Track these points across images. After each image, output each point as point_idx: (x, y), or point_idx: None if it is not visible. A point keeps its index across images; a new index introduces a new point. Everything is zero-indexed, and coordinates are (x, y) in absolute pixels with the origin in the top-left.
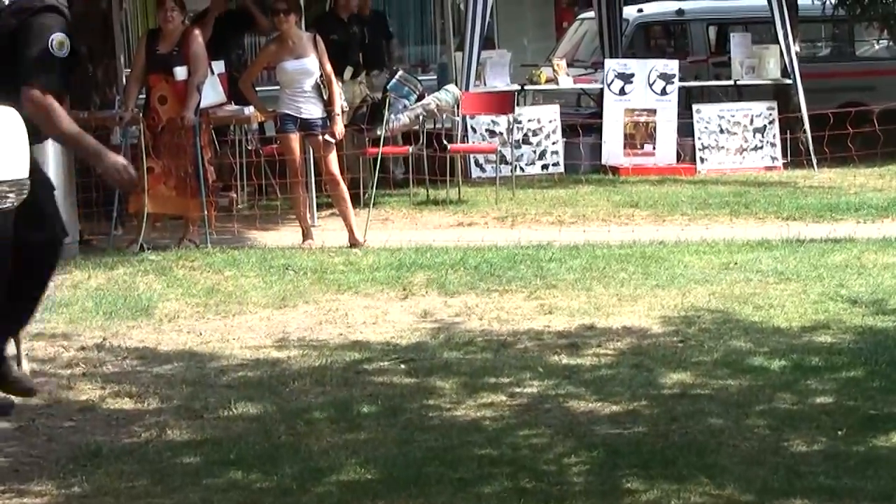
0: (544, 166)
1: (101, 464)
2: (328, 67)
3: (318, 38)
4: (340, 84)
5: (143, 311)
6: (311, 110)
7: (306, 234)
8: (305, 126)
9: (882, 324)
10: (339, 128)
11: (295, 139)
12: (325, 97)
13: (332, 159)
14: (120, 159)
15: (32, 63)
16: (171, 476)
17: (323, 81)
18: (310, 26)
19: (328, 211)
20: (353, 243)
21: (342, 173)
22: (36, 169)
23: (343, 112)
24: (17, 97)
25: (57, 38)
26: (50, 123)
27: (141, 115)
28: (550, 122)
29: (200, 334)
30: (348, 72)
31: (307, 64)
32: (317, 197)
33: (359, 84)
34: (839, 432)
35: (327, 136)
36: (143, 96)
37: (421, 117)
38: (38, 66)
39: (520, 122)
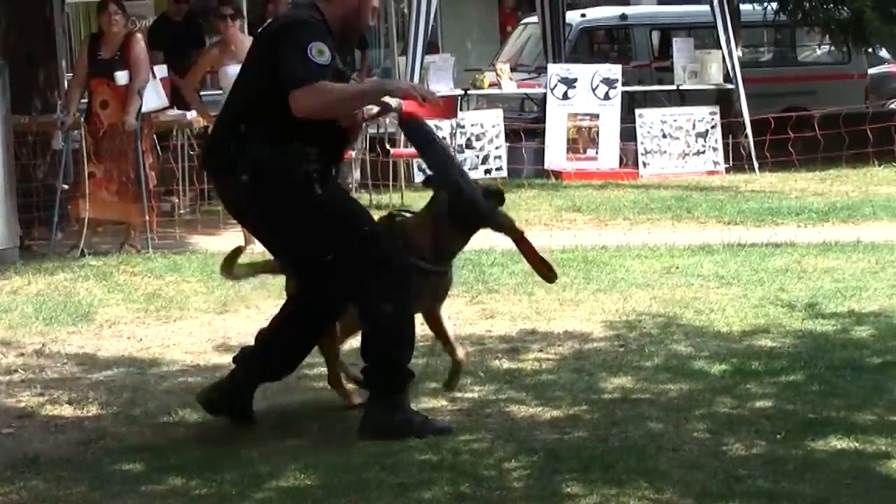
0: (487, 171)
1: (39, 471)
2: None
3: None
4: None
5: (84, 316)
6: None
7: (248, 239)
8: None
9: (821, 328)
10: None
11: None
12: None
13: None
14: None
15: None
16: (110, 483)
17: None
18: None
19: None
20: None
21: None
22: None
23: None
24: None
25: None
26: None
27: (82, 119)
28: (493, 126)
29: (141, 340)
30: None
31: None
32: None
33: None
34: (778, 436)
35: None
36: (85, 101)
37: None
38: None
39: (463, 127)
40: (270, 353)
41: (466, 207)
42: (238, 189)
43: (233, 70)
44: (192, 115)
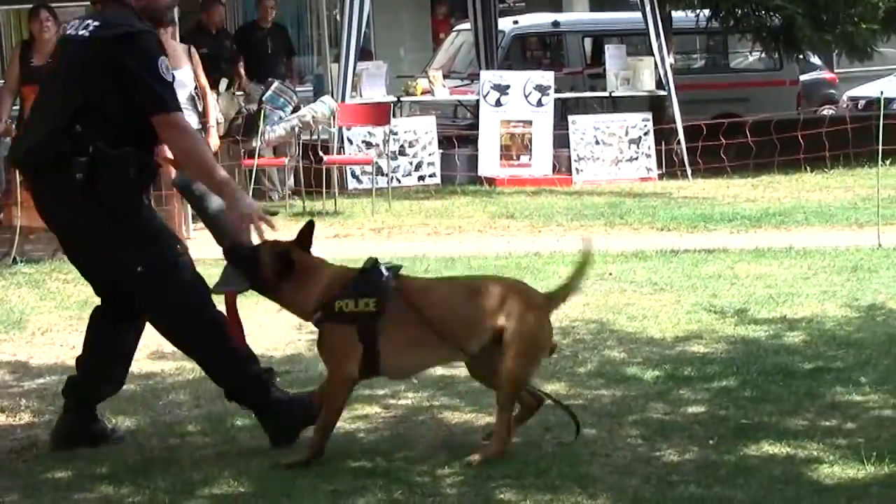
0: (421, 177)
1: None
2: (203, 79)
3: (193, 49)
4: (215, 96)
5: (16, 324)
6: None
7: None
8: None
9: (754, 334)
10: (214, 140)
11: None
12: (200, 109)
13: None
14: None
15: None
16: (42, 491)
17: (198, 93)
18: (183, 39)
19: None
20: None
21: None
22: None
23: (218, 124)
24: None
25: None
26: None
27: (14, 126)
28: (427, 133)
29: (74, 347)
30: (223, 84)
31: (180, 76)
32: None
33: (233, 96)
34: (711, 442)
35: None
36: (17, 108)
37: (297, 129)
38: None
39: (396, 134)
40: (100, 369)
41: None
42: (68, 187)
43: None
44: None
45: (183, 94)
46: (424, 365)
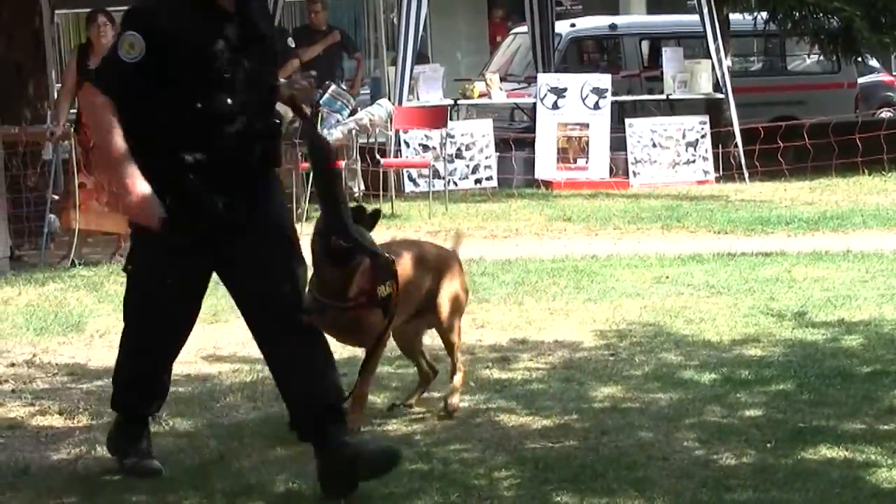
0: (477, 181)
1: (29, 481)
2: None
3: None
4: None
5: (74, 326)
6: None
7: None
8: None
9: (811, 337)
10: None
11: None
12: None
13: None
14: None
15: None
16: (101, 494)
17: None
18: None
19: None
20: None
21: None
22: None
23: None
24: None
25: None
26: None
27: (72, 130)
28: (483, 136)
29: None
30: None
31: None
32: None
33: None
34: (768, 445)
35: None
36: (75, 111)
37: (354, 132)
38: None
39: (453, 137)
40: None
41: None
42: None
43: None
44: None
45: None
46: None
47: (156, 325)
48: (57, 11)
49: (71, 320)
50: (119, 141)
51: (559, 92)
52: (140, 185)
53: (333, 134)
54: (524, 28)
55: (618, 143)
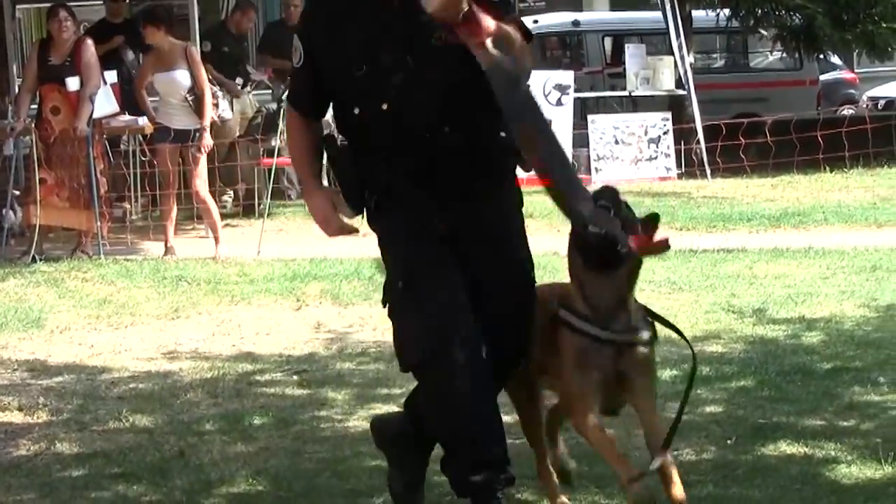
0: None
1: None
2: (202, 79)
3: (193, 49)
4: (229, 97)
5: (35, 322)
6: (183, 121)
7: (169, 250)
8: (179, 137)
9: (772, 333)
10: (206, 141)
11: (165, 150)
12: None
13: (200, 172)
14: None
15: None
16: (60, 489)
17: (196, 93)
18: (203, 37)
19: (223, 222)
20: (215, 257)
21: (236, 184)
22: None
23: (224, 122)
24: None
25: None
26: None
27: (33, 125)
28: None
29: (92, 346)
30: (239, 83)
31: (176, 75)
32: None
33: (249, 95)
34: (728, 441)
35: (192, 150)
36: (35, 107)
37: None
38: None
39: None
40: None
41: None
42: None
43: (162, 77)
44: (143, 120)
45: (179, 93)
46: None
47: None
48: (18, 6)
49: (31, 316)
50: (297, 155)
51: None
52: (316, 200)
53: None
54: None
55: (580, 140)
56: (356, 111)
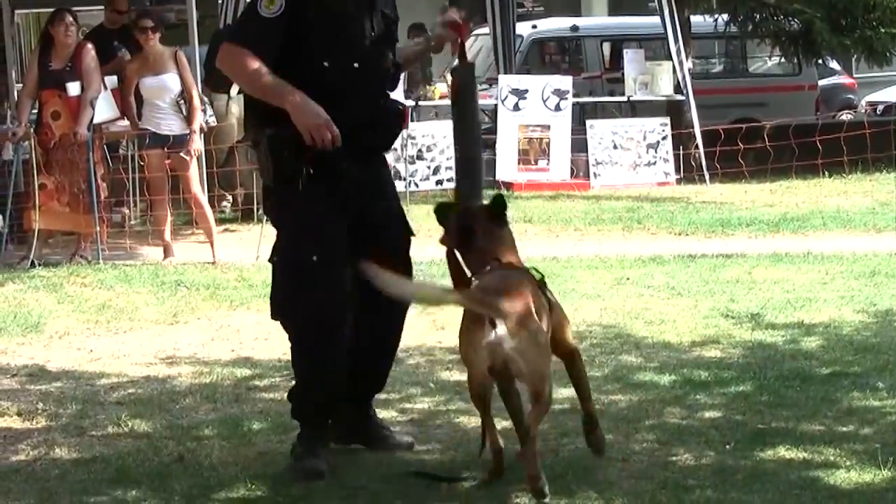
0: (438, 182)
1: None
2: (189, 84)
3: (181, 54)
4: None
5: (33, 327)
6: (171, 126)
7: (168, 251)
8: (166, 142)
9: (771, 338)
10: (196, 144)
11: (154, 155)
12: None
13: (191, 176)
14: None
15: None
16: (58, 494)
17: (185, 97)
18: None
19: (221, 227)
20: (214, 262)
21: (234, 188)
22: None
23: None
24: None
25: None
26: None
27: (33, 130)
28: (444, 137)
29: (91, 351)
30: (235, 88)
31: (166, 80)
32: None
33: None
34: (727, 446)
35: (182, 153)
36: (36, 111)
37: None
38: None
39: (414, 138)
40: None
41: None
42: None
43: (150, 82)
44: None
45: (167, 98)
46: None
47: None
48: (17, 11)
49: (30, 321)
50: (267, 70)
51: (520, 93)
52: (309, 102)
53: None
54: (485, 29)
55: (579, 145)
56: (325, 64)
